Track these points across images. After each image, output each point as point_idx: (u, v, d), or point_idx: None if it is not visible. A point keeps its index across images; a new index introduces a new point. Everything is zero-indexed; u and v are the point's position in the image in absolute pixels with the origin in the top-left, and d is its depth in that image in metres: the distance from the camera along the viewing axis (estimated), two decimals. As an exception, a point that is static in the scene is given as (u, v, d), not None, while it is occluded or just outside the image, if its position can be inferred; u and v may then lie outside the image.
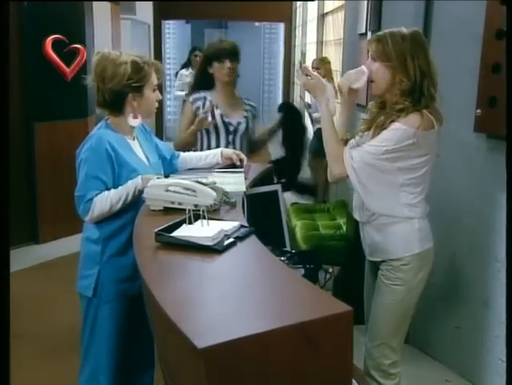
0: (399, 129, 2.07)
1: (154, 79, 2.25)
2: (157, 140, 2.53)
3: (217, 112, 3.31)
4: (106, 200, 2.14)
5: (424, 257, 2.22)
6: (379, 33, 2.20)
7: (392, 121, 2.09)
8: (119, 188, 2.18)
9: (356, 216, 2.33)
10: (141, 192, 2.13)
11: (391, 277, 2.20)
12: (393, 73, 2.11)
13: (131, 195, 2.18)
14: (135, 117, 2.25)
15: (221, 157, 2.67)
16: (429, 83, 2.10)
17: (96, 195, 2.13)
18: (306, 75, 2.28)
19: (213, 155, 2.70)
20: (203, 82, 3.36)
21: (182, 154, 2.68)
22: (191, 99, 3.34)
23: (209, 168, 2.65)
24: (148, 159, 2.34)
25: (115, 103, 2.21)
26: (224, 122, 3.30)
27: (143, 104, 2.24)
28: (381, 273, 2.23)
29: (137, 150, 2.31)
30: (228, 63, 3.27)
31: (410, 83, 2.08)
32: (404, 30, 2.14)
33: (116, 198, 2.16)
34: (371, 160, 2.10)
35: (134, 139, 2.33)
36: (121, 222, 2.23)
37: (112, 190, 2.16)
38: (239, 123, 3.34)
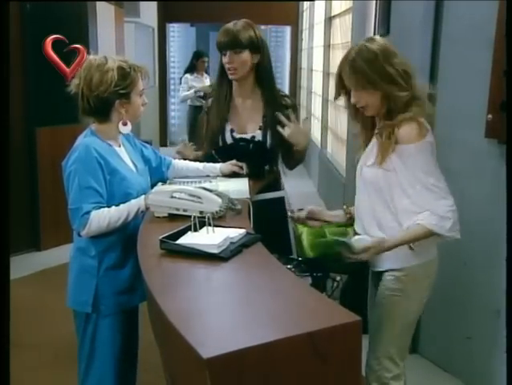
0: (413, 150, 1.95)
1: (140, 84, 2.17)
2: (142, 145, 2.42)
3: (227, 127, 2.69)
4: (104, 218, 2.03)
5: (427, 268, 2.12)
6: (350, 59, 1.99)
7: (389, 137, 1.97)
8: (121, 206, 2.07)
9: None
10: (144, 212, 2.09)
11: (392, 288, 2.10)
12: (385, 93, 1.98)
13: (132, 215, 2.08)
14: (124, 124, 2.17)
15: (220, 173, 2.56)
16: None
17: (93, 208, 2.02)
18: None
19: (212, 171, 2.56)
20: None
21: (176, 162, 2.56)
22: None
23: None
24: (135, 166, 2.25)
25: (102, 111, 2.13)
26: (234, 139, 2.67)
27: (130, 110, 2.16)
28: (382, 283, 2.14)
29: (124, 157, 2.23)
30: (225, 57, 2.61)
31: (406, 92, 1.97)
32: (366, 44, 1.99)
33: (116, 217, 2.05)
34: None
35: (120, 146, 2.24)
36: (119, 234, 2.13)
37: (113, 208, 2.06)
38: (253, 138, 2.67)
